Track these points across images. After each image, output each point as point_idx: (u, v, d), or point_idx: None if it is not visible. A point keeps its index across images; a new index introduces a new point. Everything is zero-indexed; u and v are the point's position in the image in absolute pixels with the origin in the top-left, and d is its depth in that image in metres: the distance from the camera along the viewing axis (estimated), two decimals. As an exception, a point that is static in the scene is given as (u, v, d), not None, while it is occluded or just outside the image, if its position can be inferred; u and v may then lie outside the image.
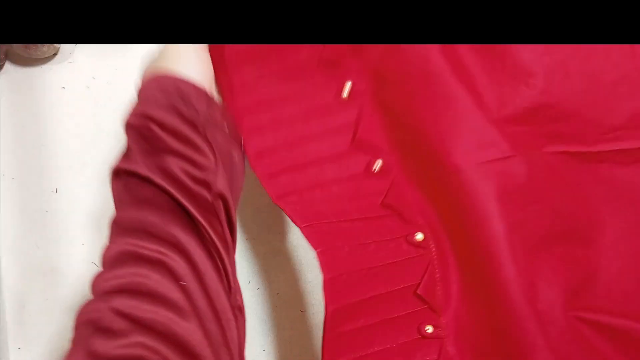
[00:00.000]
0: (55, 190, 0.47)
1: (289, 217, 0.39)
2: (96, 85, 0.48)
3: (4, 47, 0.46)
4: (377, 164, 0.42)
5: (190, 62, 0.36)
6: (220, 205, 0.33)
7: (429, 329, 0.41)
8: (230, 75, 0.41)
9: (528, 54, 0.39)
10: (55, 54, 0.48)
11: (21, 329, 0.45)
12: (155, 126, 0.32)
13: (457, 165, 0.39)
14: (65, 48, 0.48)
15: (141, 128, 0.33)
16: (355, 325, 0.40)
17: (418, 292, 0.41)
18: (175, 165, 0.32)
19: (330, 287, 0.39)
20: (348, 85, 0.41)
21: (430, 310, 0.41)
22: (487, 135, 0.40)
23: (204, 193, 0.32)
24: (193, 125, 0.33)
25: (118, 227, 0.32)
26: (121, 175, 0.33)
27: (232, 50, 0.41)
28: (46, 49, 0.46)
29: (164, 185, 0.32)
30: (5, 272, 0.46)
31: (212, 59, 0.40)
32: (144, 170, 0.32)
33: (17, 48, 0.46)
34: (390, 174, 0.42)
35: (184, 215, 0.32)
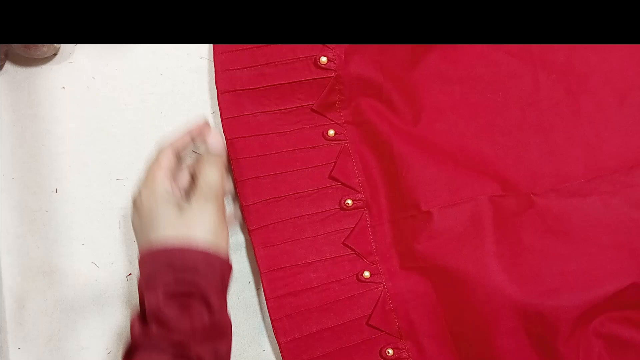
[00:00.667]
0: (55, 190, 0.47)
1: (256, 257, 0.44)
2: (96, 85, 0.48)
3: (4, 47, 0.46)
4: (348, 202, 0.45)
5: (225, 238, 0.38)
6: None
7: (390, 351, 0.44)
8: (231, 107, 0.44)
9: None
10: (55, 54, 0.48)
11: (21, 329, 0.45)
12: (205, 309, 0.35)
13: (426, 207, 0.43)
14: (65, 48, 0.48)
15: (187, 299, 0.35)
16: (313, 355, 0.44)
17: (370, 322, 0.44)
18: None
19: (279, 326, 0.44)
20: (331, 131, 0.45)
21: (388, 335, 0.44)
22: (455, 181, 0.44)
23: None
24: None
25: None
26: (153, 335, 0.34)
27: (237, 81, 0.44)
28: (46, 49, 0.46)
29: None
30: (5, 272, 0.46)
31: (220, 86, 0.44)
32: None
33: (17, 48, 0.46)
34: (358, 213, 0.46)
35: None
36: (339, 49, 0.43)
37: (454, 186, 0.44)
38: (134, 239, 0.46)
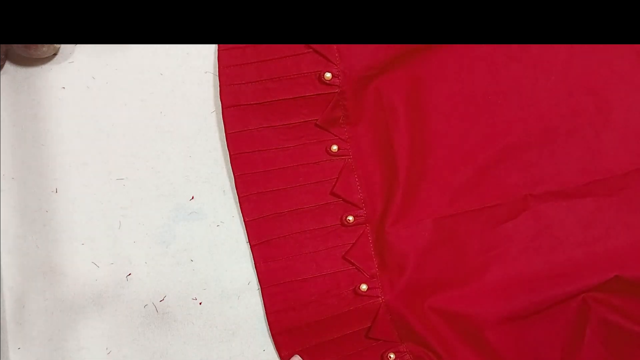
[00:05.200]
0: (55, 190, 0.47)
1: (257, 272, 0.45)
2: (96, 85, 0.48)
3: (4, 47, 0.46)
4: (349, 219, 0.45)
5: None
6: None
7: (392, 356, 0.44)
8: (236, 121, 0.45)
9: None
10: (55, 54, 0.48)
11: (21, 329, 0.45)
12: None
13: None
14: (65, 48, 0.48)
15: None
16: None
17: (370, 335, 0.44)
18: None
19: (280, 340, 0.44)
20: (335, 147, 0.45)
21: (388, 341, 0.45)
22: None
23: None
24: None
25: None
26: None
27: (242, 96, 0.44)
28: (46, 49, 0.46)
29: None
30: (5, 272, 0.46)
31: (225, 101, 0.45)
32: None
33: (17, 48, 0.46)
34: (359, 228, 0.46)
35: None
36: (343, 64, 0.43)
37: (453, 196, 0.44)
38: (134, 239, 0.46)
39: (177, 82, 0.48)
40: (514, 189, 0.44)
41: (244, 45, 0.45)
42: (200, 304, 0.46)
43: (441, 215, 0.44)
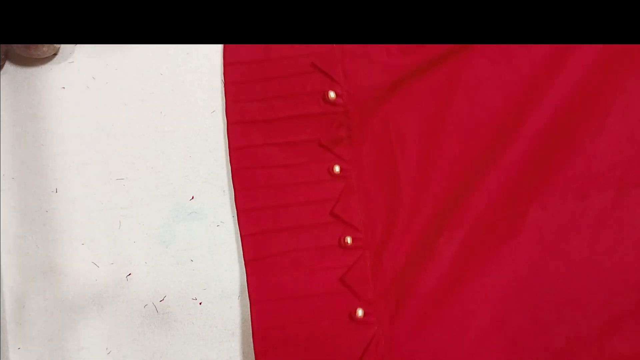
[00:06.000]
0: (55, 190, 0.47)
1: (248, 287, 0.44)
2: (96, 85, 0.48)
3: (4, 47, 0.46)
4: (347, 240, 0.44)
5: None
6: None
7: None
8: (240, 137, 0.45)
9: None
10: (55, 54, 0.48)
11: (21, 329, 0.45)
12: None
13: None
14: (65, 48, 0.48)
15: None
16: None
17: None
18: None
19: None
20: (337, 167, 0.45)
21: None
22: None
23: None
24: None
25: None
26: None
27: (247, 112, 0.45)
28: (46, 49, 0.46)
29: None
30: (5, 272, 0.46)
31: (230, 117, 0.45)
32: None
33: (17, 48, 0.46)
34: (357, 251, 0.45)
35: None
36: (348, 83, 0.43)
37: (456, 225, 0.43)
38: (134, 239, 0.46)
39: (177, 82, 0.48)
40: (516, 196, 0.43)
41: (249, 60, 0.45)
42: (200, 304, 0.46)
43: (443, 242, 0.43)
